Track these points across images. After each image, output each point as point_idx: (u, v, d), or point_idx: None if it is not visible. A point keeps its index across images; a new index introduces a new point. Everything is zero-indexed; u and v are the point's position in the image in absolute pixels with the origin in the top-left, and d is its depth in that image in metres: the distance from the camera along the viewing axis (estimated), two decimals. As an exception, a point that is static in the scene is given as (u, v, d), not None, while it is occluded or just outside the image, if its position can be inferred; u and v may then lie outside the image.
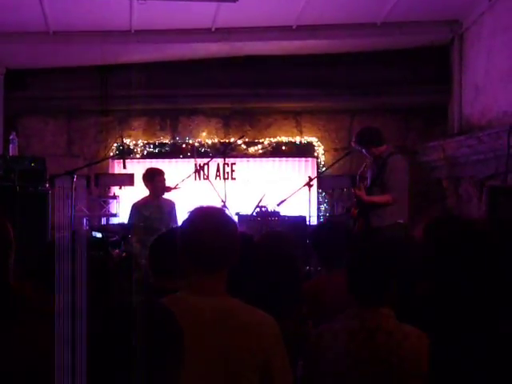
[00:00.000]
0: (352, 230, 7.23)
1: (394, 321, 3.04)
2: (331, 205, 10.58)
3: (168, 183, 8.70)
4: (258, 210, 9.07)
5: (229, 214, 2.94)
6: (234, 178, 10.61)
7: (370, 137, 7.63)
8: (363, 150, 7.70)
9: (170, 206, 8.55)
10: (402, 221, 7.37)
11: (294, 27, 9.76)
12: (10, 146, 9.36)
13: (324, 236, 4.55)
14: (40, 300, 2.59)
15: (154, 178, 8.55)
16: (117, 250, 7.22)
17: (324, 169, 10.54)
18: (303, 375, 3.21)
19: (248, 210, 9.09)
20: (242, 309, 2.81)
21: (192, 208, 2.89)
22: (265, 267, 3.51)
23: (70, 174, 7.77)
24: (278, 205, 8.69)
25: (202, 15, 9.27)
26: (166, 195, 8.69)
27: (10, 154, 9.22)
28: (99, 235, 8.33)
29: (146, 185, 8.61)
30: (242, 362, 2.68)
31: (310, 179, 8.66)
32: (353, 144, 7.94)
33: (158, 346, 2.03)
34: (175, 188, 8.77)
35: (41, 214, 7.91)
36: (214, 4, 8.73)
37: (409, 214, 7.52)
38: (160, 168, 8.85)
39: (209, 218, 2.83)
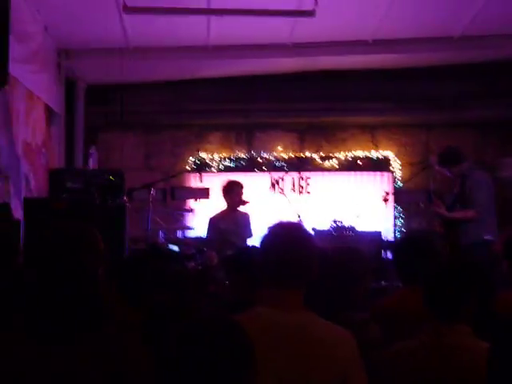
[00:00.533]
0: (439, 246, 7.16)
1: (472, 338, 2.97)
2: (407, 220, 10.48)
3: (244, 197, 8.76)
4: (333, 224, 9.05)
5: (307, 230, 2.96)
6: (309, 192, 10.60)
7: (450, 156, 7.69)
8: (446, 171, 7.75)
9: (246, 218, 8.60)
10: (489, 237, 7.26)
11: (370, 41, 9.72)
12: (90, 159, 9.59)
13: (407, 251, 4.45)
14: (124, 312, 2.65)
15: (233, 190, 8.61)
16: (192, 263, 7.29)
17: (400, 183, 10.46)
18: None
19: (323, 224, 9.08)
20: (320, 324, 2.82)
21: (272, 223, 2.93)
22: (333, 282, 3.51)
23: (148, 187, 7.90)
24: (357, 217, 8.67)
25: (278, 30, 9.31)
26: (242, 208, 8.75)
27: (90, 168, 9.43)
28: (175, 248, 8.44)
29: (225, 197, 8.67)
30: (320, 378, 2.69)
31: (387, 194, 8.60)
32: (436, 167, 7.98)
33: (228, 360, 2.06)
34: (250, 202, 8.81)
35: (118, 227, 8.01)
36: (292, 19, 8.77)
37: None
38: (238, 180, 8.91)
39: (288, 234, 2.86)
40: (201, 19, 8.79)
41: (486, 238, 7.27)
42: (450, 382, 2.91)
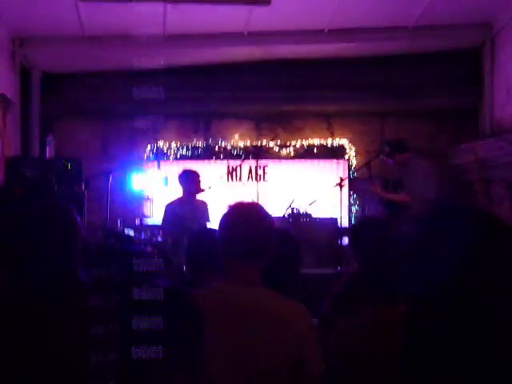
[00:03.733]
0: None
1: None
2: (362, 207, 10.63)
3: (201, 185, 8.82)
4: (289, 211, 9.15)
5: (265, 209, 3.04)
6: (266, 180, 10.69)
7: (393, 146, 8.24)
8: (390, 160, 8.24)
9: (203, 206, 8.64)
10: None
11: (326, 31, 9.84)
12: (47, 147, 9.55)
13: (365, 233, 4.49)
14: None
15: (189, 179, 8.66)
16: (149, 248, 7.35)
17: (355, 171, 10.59)
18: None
19: (280, 211, 9.18)
20: (276, 299, 2.91)
21: (231, 203, 3.01)
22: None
23: (106, 175, 7.91)
24: (310, 204, 8.80)
25: (234, 19, 9.38)
26: (200, 196, 8.81)
27: (48, 156, 9.41)
28: (131, 233, 8.49)
29: (181, 185, 8.72)
30: (276, 349, 2.77)
31: (342, 180, 8.71)
32: (381, 156, 8.50)
33: (179, 328, 2.15)
34: (208, 189, 8.88)
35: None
36: (247, 8, 8.83)
37: None
38: (195, 169, 8.97)
39: (247, 211, 2.96)
40: (157, 8, 8.77)
41: None
42: (385, 360, 2.99)
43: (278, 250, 3.38)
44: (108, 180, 7.91)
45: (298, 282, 3.75)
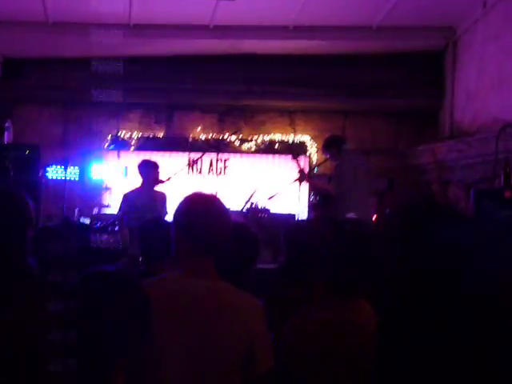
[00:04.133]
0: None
1: (367, 314, 3.02)
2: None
3: (161, 176, 8.80)
4: (248, 206, 9.16)
5: (220, 200, 3.04)
6: (226, 174, 10.68)
7: (329, 141, 8.66)
8: (327, 154, 8.69)
9: (162, 197, 8.62)
10: (352, 215, 7.64)
11: (291, 27, 9.87)
12: (5, 133, 9.44)
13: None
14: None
15: (149, 169, 8.63)
16: (105, 236, 7.31)
17: (315, 167, 10.62)
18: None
19: (239, 205, 9.18)
20: (230, 291, 2.89)
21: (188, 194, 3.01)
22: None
23: (64, 163, 7.86)
24: (269, 199, 8.84)
25: (200, 12, 9.37)
26: (158, 187, 8.79)
27: (5, 142, 9.31)
28: (87, 222, 8.44)
29: (140, 175, 8.68)
30: (227, 341, 2.77)
31: (300, 174, 8.69)
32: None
33: (125, 312, 2.17)
34: (167, 180, 8.87)
35: (33, 203, 7.91)
36: (213, 1, 8.83)
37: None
38: (154, 160, 8.95)
39: (202, 203, 2.93)
40: (123, -4, 8.77)
41: (348, 216, 7.66)
42: (342, 356, 3.02)
43: (235, 244, 3.40)
44: (66, 168, 7.84)
45: (253, 276, 3.76)
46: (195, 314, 2.76)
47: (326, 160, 9.28)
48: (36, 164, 8.39)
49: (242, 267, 3.62)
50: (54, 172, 8.76)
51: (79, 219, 8.85)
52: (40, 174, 8.38)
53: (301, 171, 8.63)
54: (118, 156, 9.15)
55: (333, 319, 3.09)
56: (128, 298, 2.25)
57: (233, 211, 8.96)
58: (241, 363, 2.79)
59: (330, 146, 8.54)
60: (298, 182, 8.84)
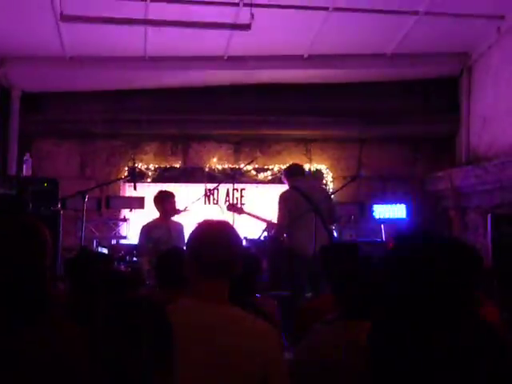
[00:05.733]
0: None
1: None
2: (339, 232, 10.65)
3: (178, 207, 8.84)
4: (265, 234, 9.14)
5: (233, 226, 3.08)
6: (244, 204, 10.68)
7: (287, 170, 8.99)
8: (287, 183, 8.80)
9: (179, 228, 8.67)
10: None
11: (305, 56, 9.93)
12: (24, 166, 9.53)
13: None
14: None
15: (164, 200, 8.70)
16: (122, 266, 7.33)
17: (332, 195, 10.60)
18: None
19: (256, 234, 9.17)
20: (244, 317, 2.93)
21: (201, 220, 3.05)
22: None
23: (82, 194, 7.89)
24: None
25: (215, 42, 9.45)
26: (176, 218, 8.82)
27: (24, 175, 9.38)
28: (105, 251, 8.48)
29: (157, 207, 8.75)
30: (242, 367, 2.77)
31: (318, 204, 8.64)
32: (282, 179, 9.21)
33: (149, 340, 2.18)
34: (185, 210, 8.91)
35: (52, 235, 7.92)
36: (228, 32, 8.90)
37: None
38: (171, 191, 9.00)
39: (215, 229, 2.99)
40: (138, 30, 8.86)
41: (290, 246, 8.18)
42: (348, 376, 3.02)
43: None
44: (84, 200, 7.87)
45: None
46: (212, 341, 2.77)
47: (341, 188, 9.28)
48: (54, 197, 8.43)
49: (245, 287, 3.67)
50: (72, 204, 8.79)
51: (97, 249, 8.88)
52: (58, 206, 8.42)
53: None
54: (135, 188, 9.17)
55: (344, 339, 3.12)
56: (156, 323, 2.28)
57: (251, 239, 9.00)
58: None
59: (292, 175, 8.72)
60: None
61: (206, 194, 10.22)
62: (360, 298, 3.17)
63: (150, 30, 8.86)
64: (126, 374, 2.19)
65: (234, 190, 10.11)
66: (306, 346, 3.31)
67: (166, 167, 11.04)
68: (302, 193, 8.18)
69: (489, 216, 7.43)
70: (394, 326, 1.92)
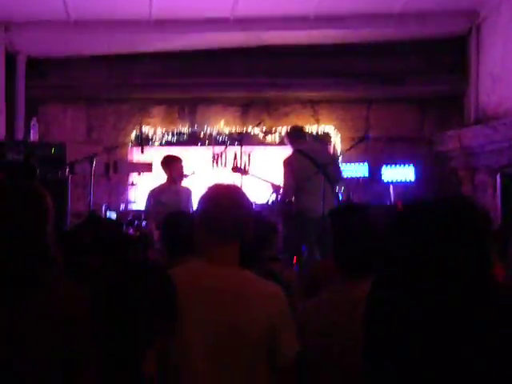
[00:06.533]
0: None
1: None
2: (347, 194, 10.63)
3: (185, 171, 8.83)
4: (273, 198, 9.13)
5: (242, 190, 3.10)
6: (248, 167, 10.61)
7: (290, 133, 9.05)
8: (290, 146, 8.85)
9: (187, 193, 8.66)
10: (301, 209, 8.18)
11: (311, 17, 9.83)
12: (31, 131, 9.52)
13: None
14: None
15: (172, 165, 8.69)
16: (131, 230, 7.34)
17: (339, 156, 10.56)
18: None
19: (264, 198, 9.17)
20: (252, 279, 2.95)
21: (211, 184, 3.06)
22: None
23: (89, 159, 7.89)
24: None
25: (219, 5, 9.39)
26: (184, 182, 8.82)
27: (31, 140, 9.38)
28: (113, 215, 8.49)
29: (165, 171, 8.75)
30: (251, 328, 2.80)
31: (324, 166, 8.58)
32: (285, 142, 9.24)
33: (152, 303, 2.20)
34: (192, 174, 8.90)
35: (60, 200, 7.95)
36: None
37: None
38: (178, 155, 8.98)
39: (226, 193, 3.02)
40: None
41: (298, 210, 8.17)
42: (353, 333, 3.03)
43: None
44: (92, 165, 7.87)
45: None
46: (219, 303, 2.80)
47: (348, 149, 9.26)
48: (62, 162, 8.43)
49: (259, 253, 3.68)
50: (80, 169, 8.78)
51: (106, 214, 8.90)
52: (66, 171, 8.41)
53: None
54: (142, 152, 9.16)
55: (343, 299, 3.13)
56: (160, 286, 2.29)
57: (259, 204, 8.98)
58: (265, 351, 2.83)
59: (297, 137, 8.77)
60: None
61: (213, 158, 10.21)
62: (359, 259, 3.15)
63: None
64: (125, 335, 2.20)
65: (241, 153, 10.07)
66: (305, 309, 3.33)
67: (173, 131, 10.99)
68: (306, 155, 8.07)
69: (498, 176, 7.39)
70: (396, 285, 1.90)
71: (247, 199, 3.06)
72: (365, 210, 4.53)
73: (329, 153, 9.53)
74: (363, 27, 10.05)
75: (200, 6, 9.38)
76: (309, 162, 7.94)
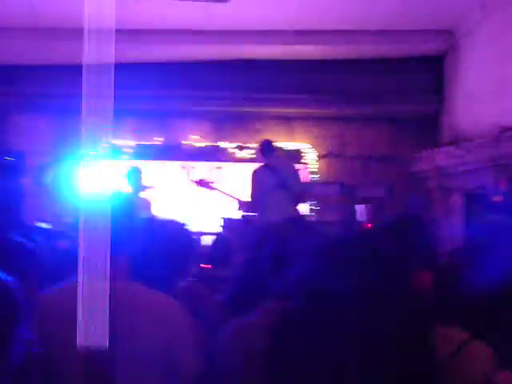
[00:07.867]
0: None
1: None
2: (320, 212, 10.51)
3: (147, 183, 8.79)
4: (243, 214, 8.99)
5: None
6: (222, 181, 10.46)
7: (260, 147, 8.99)
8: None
9: (145, 204, 8.57)
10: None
11: (287, 32, 9.70)
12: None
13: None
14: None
15: (131, 176, 8.67)
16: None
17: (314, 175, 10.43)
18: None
19: (234, 213, 9.03)
20: (145, 292, 2.77)
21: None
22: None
23: (47, 169, 7.74)
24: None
25: (193, 16, 9.23)
26: (146, 194, 8.74)
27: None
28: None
29: (126, 182, 8.68)
30: (148, 342, 2.65)
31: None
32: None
33: None
34: (150, 188, 8.83)
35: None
36: (207, 5, 8.67)
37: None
38: (138, 166, 8.94)
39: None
40: (110, 0, 8.61)
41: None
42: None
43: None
44: (51, 174, 7.72)
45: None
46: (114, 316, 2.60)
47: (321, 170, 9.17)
48: (22, 171, 8.30)
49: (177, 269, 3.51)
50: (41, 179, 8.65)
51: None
52: (24, 180, 8.26)
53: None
54: (111, 164, 9.04)
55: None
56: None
57: (228, 218, 8.84)
58: (163, 365, 2.67)
59: (264, 152, 8.80)
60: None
61: (184, 172, 10.09)
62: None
63: (128, 1, 8.62)
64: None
65: (211, 167, 9.96)
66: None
67: (143, 144, 10.82)
68: (270, 169, 8.28)
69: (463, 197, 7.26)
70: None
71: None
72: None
73: (293, 168, 9.37)
74: (339, 44, 9.93)
75: (173, 17, 9.23)
76: (272, 175, 8.01)
